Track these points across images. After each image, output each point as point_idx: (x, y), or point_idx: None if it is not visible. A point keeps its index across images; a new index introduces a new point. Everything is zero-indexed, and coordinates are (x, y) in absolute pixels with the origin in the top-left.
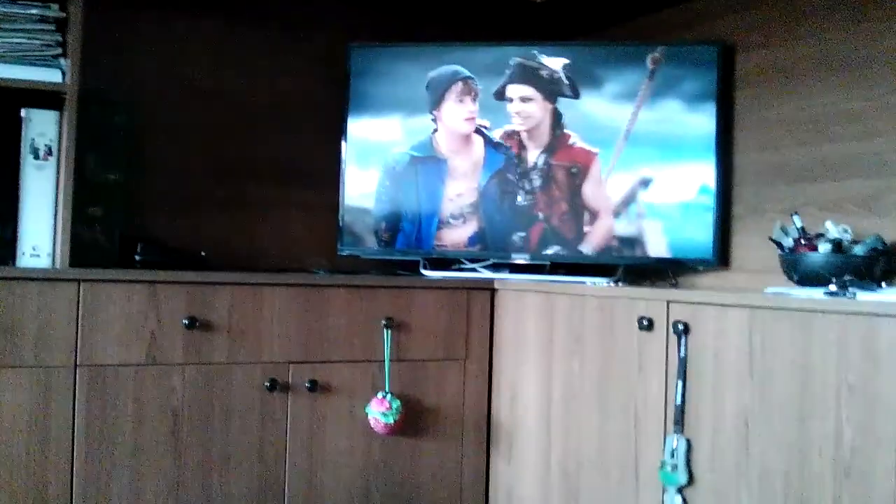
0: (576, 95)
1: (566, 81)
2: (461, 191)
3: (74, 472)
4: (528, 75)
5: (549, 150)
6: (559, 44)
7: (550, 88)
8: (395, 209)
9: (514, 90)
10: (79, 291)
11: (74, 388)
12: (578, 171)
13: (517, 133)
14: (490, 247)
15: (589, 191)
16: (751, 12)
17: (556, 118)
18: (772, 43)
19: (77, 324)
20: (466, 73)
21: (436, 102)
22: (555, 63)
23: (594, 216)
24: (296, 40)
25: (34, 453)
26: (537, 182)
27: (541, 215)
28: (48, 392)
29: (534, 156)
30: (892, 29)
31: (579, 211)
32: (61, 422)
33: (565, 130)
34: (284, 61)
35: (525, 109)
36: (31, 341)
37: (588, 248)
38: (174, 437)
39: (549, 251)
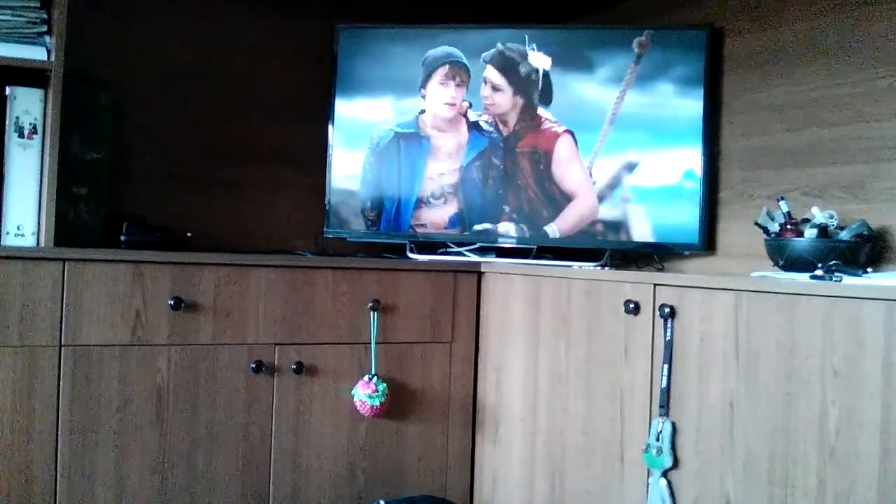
0: (547, 102)
1: (541, 86)
2: (443, 170)
3: (59, 452)
4: (506, 65)
5: (526, 135)
6: (546, 27)
7: (524, 87)
8: (379, 186)
9: (489, 75)
10: (63, 271)
11: (59, 369)
12: (559, 156)
13: (494, 117)
14: (470, 228)
15: (573, 175)
16: None
17: (529, 108)
18: (760, 27)
19: (62, 303)
20: (457, 58)
21: (424, 81)
22: (537, 60)
23: (581, 201)
24: (284, 20)
25: (18, 433)
26: (518, 166)
27: (526, 199)
28: (33, 372)
29: (513, 140)
30: (880, 14)
31: (566, 195)
32: (46, 402)
33: (543, 117)
34: (272, 41)
35: (493, 96)
36: (16, 321)
37: (574, 232)
38: (159, 418)
39: (536, 235)
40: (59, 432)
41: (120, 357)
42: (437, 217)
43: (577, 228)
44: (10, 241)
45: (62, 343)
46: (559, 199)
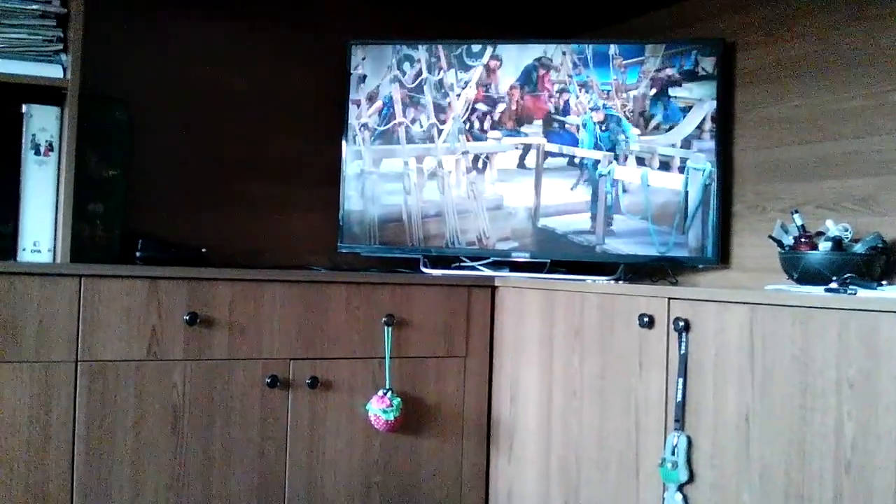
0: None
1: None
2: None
3: (75, 467)
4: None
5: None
6: (556, 41)
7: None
8: (392, 201)
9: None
10: (80, 287)
11: (75, 384)
12: (575, 169)
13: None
14: (489, 244)
15: (586, 190)
16: (751, 10)
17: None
18: (772, 41)
19: (78, 319)
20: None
21: None
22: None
23: (593, 214)
24: (296, 37)
25: (34, 449)
26: (532, 180)
27: (540, 213)
28: (49, 388)
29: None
30: (892, 26)
31: (578, 209)
32: (62, 417)
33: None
34: (285, 58)
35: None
36: (32, 337)
37: (588, 246)
38: (175, 434)
39: (549, 249)
40: (75, 448)
41: (136, 372)
42: (452, 233)
43: (599, 246)
44: (27, 257)
45: (78, 358)
46: (586, 216)
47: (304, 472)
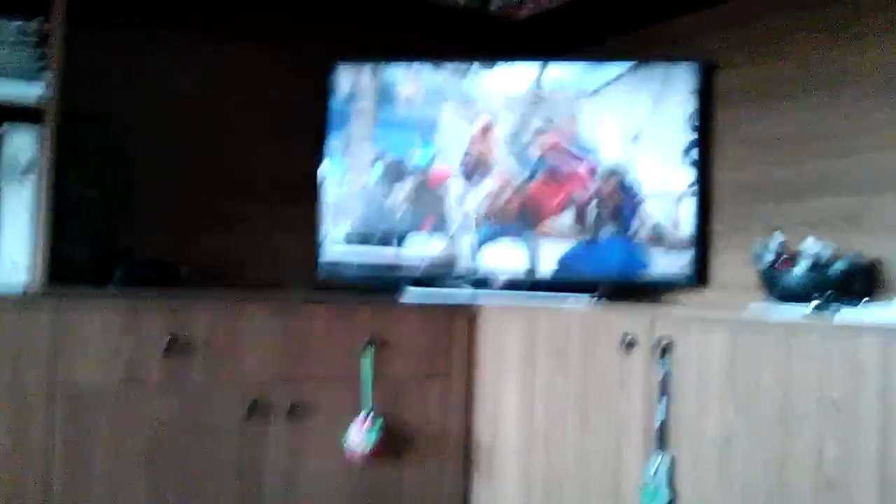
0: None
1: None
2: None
3: (53, 495)
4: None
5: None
6: (539, 58)
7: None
8: (374, 221)
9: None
10: (56, 312)
11: (52, 410)
12: (559, 187)
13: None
14: (468, 265)
15: (564, 208)
16: (733, 31)
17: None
18: (753, 61)
19: (54, 345)
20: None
21: None
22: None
23: (570, 233)
24: (279, 56)
25: (11, 477)
26: (514, 198)
27: (520, 232)
28: (25, 414)
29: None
30: (872, 47)
31: (559, 227)
32: (38, 444)
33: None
34: (267, 77)
35: None
36: (8, 363)
37: (567, 266)
38: (153, 460)
39: (529, 270)
40: (53, 476)
41: (114, 398)
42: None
43: (579, 266)
44: (4, 278)
45: (54, 385)
46: (564, 234)
47: (284, 498)
